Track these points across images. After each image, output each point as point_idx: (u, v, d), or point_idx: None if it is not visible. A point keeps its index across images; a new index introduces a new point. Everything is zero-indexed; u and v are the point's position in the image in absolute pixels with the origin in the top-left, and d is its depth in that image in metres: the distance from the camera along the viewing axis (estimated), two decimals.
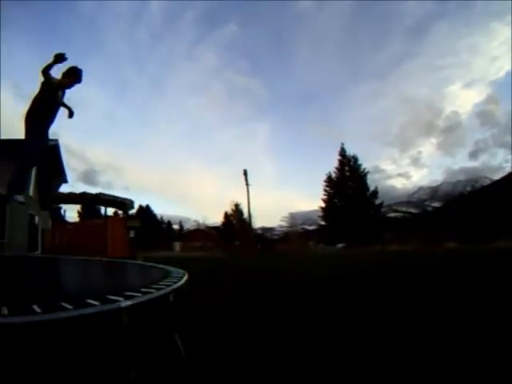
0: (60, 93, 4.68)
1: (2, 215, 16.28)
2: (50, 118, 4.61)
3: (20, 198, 4.77)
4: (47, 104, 4.47)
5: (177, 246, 55.09)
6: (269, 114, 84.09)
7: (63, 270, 6.98)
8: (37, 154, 4.62)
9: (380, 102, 73.81)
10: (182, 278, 3.60)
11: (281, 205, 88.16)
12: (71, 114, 5.03)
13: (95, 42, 59.44)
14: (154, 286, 2.82)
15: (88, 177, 75.75)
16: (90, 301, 2.06)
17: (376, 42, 59.35)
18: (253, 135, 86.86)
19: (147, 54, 62.50)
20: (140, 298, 2.41)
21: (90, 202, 30.53)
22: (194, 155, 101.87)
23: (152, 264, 5.56)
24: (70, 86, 4.73)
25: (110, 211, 26.41)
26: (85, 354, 1.84)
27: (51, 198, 20.02)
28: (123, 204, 22.01)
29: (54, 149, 20.13)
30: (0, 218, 16.21)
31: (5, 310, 1.78)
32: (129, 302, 2.18)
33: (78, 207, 53.18)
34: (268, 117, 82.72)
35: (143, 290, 2.60)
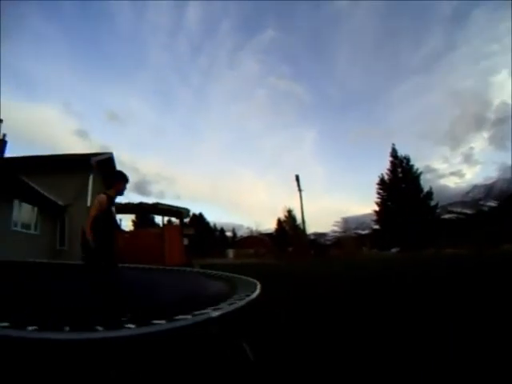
0: (112, 208, 4.46)
1: (62, 224, 16.70)
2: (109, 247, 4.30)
3: None
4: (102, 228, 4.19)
5: (230, 253, 55.03)
6: (315, 118, 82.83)
7: (141, 280, 6.91)
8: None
9: (426, 97, 70.50)
10: (256, 287, 3.79)
11: (333, 209, 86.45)
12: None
13: (138, 57, 61.09)
14: (235, 296, 3.05)
15: (140, 187, 77.89)
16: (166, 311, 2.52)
17: (415, 35, 56.85)
18: (301, 140, 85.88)
19: (189, 65, 63.70)
20: (226, 309, 2.56)
21: (147, 212, 31.38)
22: (245, 162, 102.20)
23: (225, 273, 5.82)
24: (122, 192, 4.53)
25: (164, 220, 26.67)
26: (185, 362, 1.95)
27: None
28: (179, 213, 22.21)
29: (109, 161, 20.91)
30: (60, 227, 16.64)
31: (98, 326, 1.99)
32: (217, 313, 2.39)
33: (132, 216, 54.31)
34: (314, 120, 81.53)
35: (227, 299, 2.87)
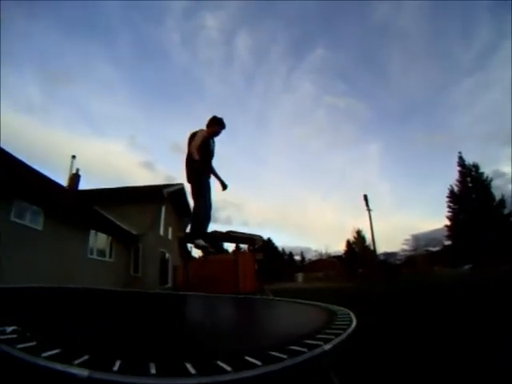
0: (212, 142, 5.17)
1: (136, 252, 16.93)
2: (209, 167, 5.15)
3: (201, 242, 4.90)
4: (204, 154, 4.80)
5: (299, 277, 53.72)
6: (375, 133, 79.49)
7: (226, 311, 6.45)
8: (205, 210, 4.91)
9: (486, 95, 64.46)
10: (351, 319, 3.62)
11: (402, 227, 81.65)
12: (224, 187, 5.40)
13: (195, 90, 62.58)
14: (334, 328, 2.93)
15: None
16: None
17: (464, 31, 52.53)
18: (364, 157, 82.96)
19: (246, 93, 64.02)
20: (336, 341, 2.47)
21: (220, 240, 31.26)
22: (310, 185, 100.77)
23: (309, 302, 5.57)
24: (217, 133, 5.18)
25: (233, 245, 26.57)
26: None
27: (186, 237, 20.50)
28: (252, 240, 21.70)
29: (179, 192, 21.65)
30: (134, 255, 16.87)
31: (152, 368, 1.78)
32: (329, 346, 2.30)
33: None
34: (375, 135, 78.21)
35: (321, 331, 2.77)
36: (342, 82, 66.70)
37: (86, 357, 1.97)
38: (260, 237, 22.92)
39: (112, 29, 45.80)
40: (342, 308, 5.21)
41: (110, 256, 16.19)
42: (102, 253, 15.52)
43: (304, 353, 2.18)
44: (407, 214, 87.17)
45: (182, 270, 17.72)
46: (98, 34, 47.25)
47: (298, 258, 75.31)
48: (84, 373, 1.67)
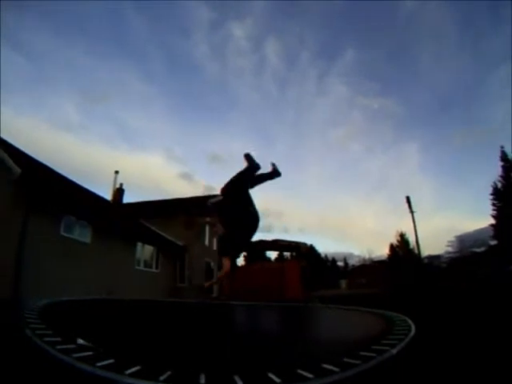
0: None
1: (182, 263, 17.13)
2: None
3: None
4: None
5: (343, 283, 52.16)
6: (413, 131, 75.39)
7: (283, 320, 6.72)
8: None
9: None
10: (410, 325, 3.84)
11: (445, 228, 77.18)
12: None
13: (229, 100, 62.59)
14: (395, 334, 3.27)
15: None
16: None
17: (492, 18, 48.68)
18: (403, 157, 79.07)
19: (279, 99, 63.00)
20: (401, 345, 2.74)
21: (268, 249, 31.13)
22: (349, 189, 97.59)
23: (364, 309, 5.82)
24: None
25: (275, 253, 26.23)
26: None
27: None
28: (298, 247, 21.41)
29: None
30: (180, 266, 16.85)
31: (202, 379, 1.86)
32: (395, 350, 2.51)
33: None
34: (413, 134, 74.08)
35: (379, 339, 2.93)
36: (374, 82, 64.19)
37: (168, 372, 2.06)
38: (305, 244, 22.50)
39: (143, 46, 47.17)
40: (397, 314, 5.37)
41: (157, 267, 16.11)
42: (148, 264, 15.49)
43: (374, 358, 2.27)
44: (450, 215, 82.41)
45: (228, 279, 17.42)
46: (130, 52, 49.08)
47: (340, 263, 73.57)
48: None
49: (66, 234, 10.66)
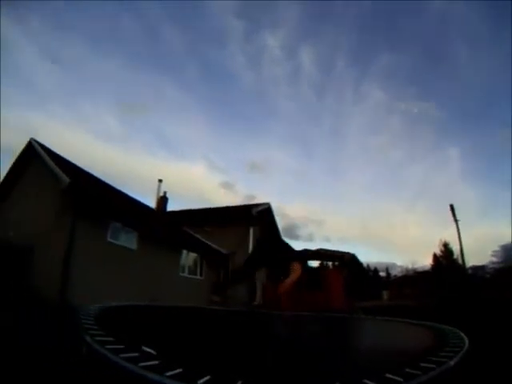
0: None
1: (226, 270, 17.42)
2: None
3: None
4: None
5: (385, 294, 50.42)
6: (454, 135, 71.10)
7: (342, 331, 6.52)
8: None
9: None
10: (462, 337, 3.63)
11: (489, 237, 72.81)
12: None
13: (268, 108, 62.06)
14: (451, 346, 3.04)
15: (289, 232, 77.10)
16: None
17: None
18: (444, 163, 75.05)
19: (316, 106, 61.75)
20: (458, 356, 2.63)
21: (310, 258, 30.57)
22: (390, 197, 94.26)
23: (424, 322, 5.47)
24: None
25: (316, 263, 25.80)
26: None
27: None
28: (342, 257, 20.85)
29: (267, 211, 21.43)
30: (224, 273, 17.42)
31: None
32: (453, 362, 2.43)
33: None
34: (454, 138, 69.73)
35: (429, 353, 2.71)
36: (410, 86, 61.65)
37: (207, 377, 2.04)
38: (349, 253, 21.79)
39: (178, 59, 47.74)
40: (449, 327, 5.08)
41: (201, 274, 16.01)
42: (192, 271, 15.43)
43: (434, 369, 2.26)
44: (494, 223, 78.16)
45: (271, 287, 17.15)
46: (167, 64, 49.77)
47: (382, 274, 71.35)
48: None
49: (112, 241, 10.76)
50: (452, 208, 31.31)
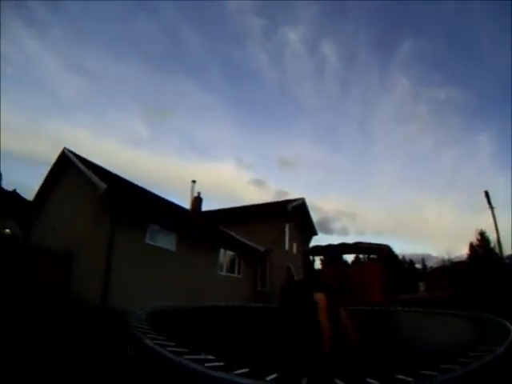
0: None
1: (263, 268, 17.42)
2: None
3: None
4: None
5: (421, 286, 49.07)
6: (483, 120, 67.61)
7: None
8: None
9: None
10: (505, 325, 3.98)
11: None
12: None
13: (294, 104, 61.08)
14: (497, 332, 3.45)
15: (323, 225, 75.91)
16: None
17: None
18: (475, 149, 71.57)
19: (342, 99, 60.25)
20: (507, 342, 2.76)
21: (349, 252, 30.11)
22: (422, 187, 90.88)
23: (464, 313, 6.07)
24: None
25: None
26: None
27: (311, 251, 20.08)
28: (379, 250, 20.28)
29: (302, 206, 21.21)
30: (261, 271, 17.39)
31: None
32: (502, 348, 2.56)
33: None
34: (483, 123, 66.50)
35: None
36: (435, 72, 58.93)
37: (274, 375, 2.16)
38: (387, 246, 21.19)
39: (201, 60, 47.97)
40: (491, 315, 5.43)
41: (239, 272, 15.91)
42: (230, 269, 15.35)
43: (484, 356, 2.35)
44: None
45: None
46: (191, 66, 50.22)
47: (418, 265, 69.51)
48: None
49: (151, 242, 10.78)
50: (487, 194, 29.70)
